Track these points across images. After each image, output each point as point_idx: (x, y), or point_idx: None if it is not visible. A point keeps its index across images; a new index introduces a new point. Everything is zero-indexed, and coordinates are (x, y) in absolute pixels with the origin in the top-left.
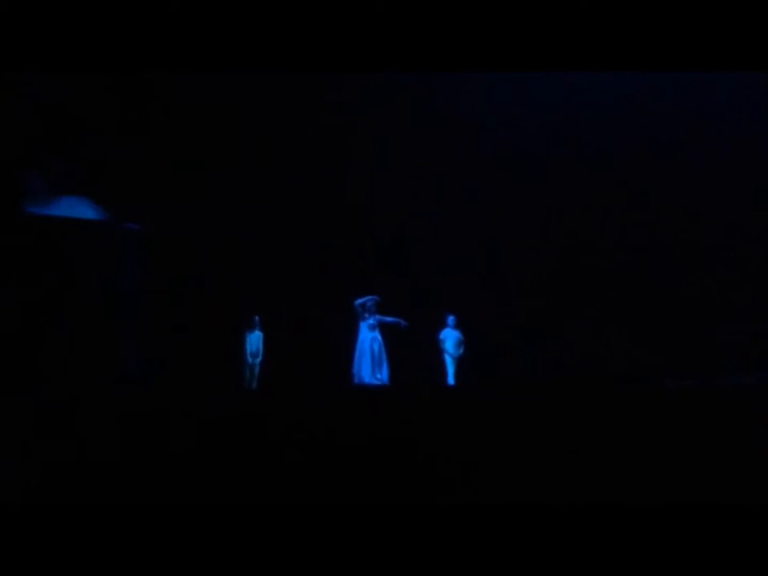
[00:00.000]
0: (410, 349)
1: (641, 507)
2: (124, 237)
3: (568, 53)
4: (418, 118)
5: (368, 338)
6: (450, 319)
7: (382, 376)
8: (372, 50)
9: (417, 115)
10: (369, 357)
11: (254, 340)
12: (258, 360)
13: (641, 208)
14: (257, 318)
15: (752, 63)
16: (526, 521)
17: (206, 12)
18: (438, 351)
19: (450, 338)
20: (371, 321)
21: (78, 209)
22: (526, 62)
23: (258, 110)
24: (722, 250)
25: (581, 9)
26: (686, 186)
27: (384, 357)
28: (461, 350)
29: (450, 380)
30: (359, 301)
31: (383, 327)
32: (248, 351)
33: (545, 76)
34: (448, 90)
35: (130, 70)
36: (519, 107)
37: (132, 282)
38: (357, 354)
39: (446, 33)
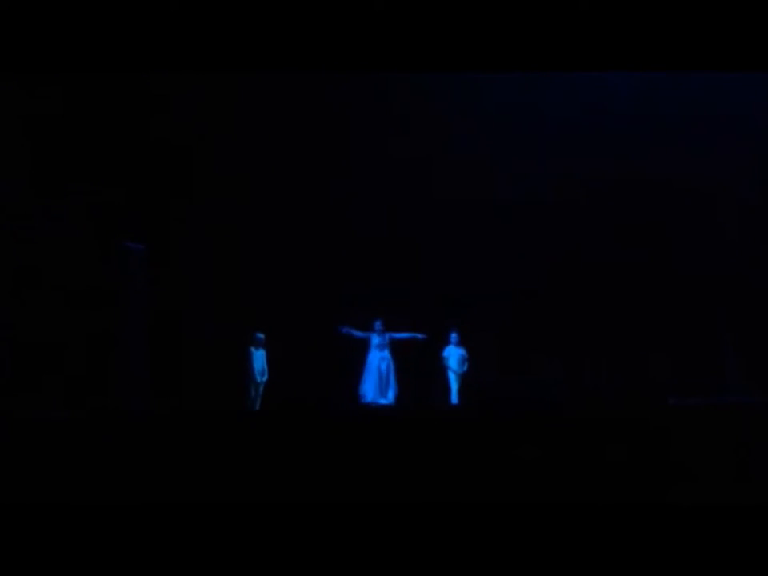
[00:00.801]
0: (415, 367)
1: (640, 509)
2: (128, 256)
3: (568, 52)
4: (423, 127)
5: (376, 358)
6: (453, 336)
7: (388, 396)
8: (371, 50)
9: (422, 123)
10: (375, 376)
11: (260, 358)
12: (264, 378)
13: (646, 226)
14: (262, 336)
15: (752, 63)
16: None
17: (204, 12)
18: (441, 369)
19: (453, 355)
20: (380, 340)
21: None
22: (525, 62)
23: (255, 125)
24: (731, 262)
25: (580, 8)
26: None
27: (392, 377)
28: (464, 367)
29: (454, 398)
30: (359, 334)
31: (397, 346)
32: (255, 370)
33: (544, 76)
34: (447, 91)
35: (126, 70)
36: (522, 108)
37: (138, 300)
38: (364, 373)
39: (445, 33)
